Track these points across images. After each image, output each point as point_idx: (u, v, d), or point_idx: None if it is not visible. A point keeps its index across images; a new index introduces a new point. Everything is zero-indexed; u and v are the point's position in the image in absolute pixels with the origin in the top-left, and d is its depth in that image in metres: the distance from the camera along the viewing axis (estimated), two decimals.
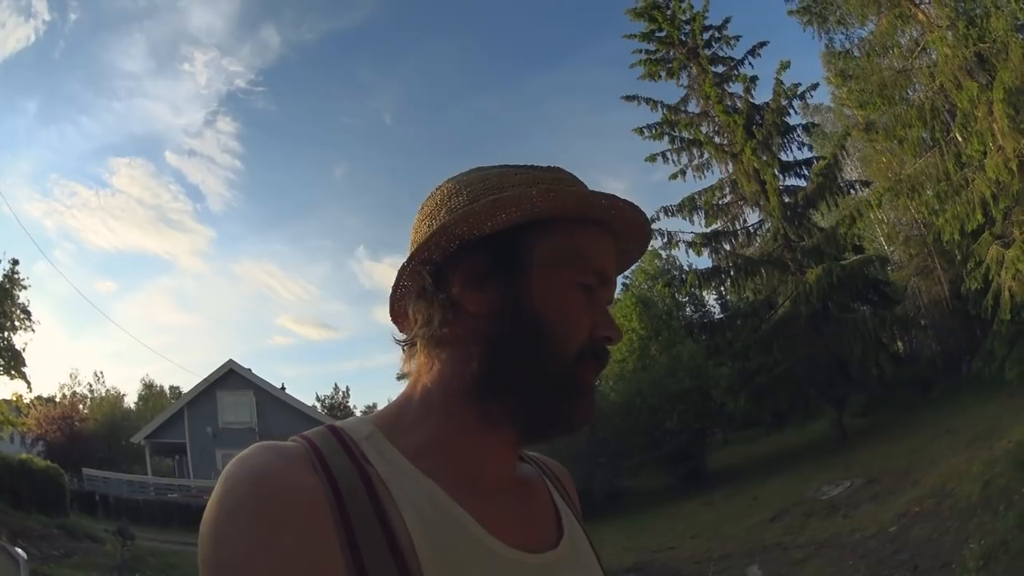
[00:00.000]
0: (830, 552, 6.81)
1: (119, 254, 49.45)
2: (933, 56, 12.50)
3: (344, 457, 0.56)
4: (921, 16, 12.59)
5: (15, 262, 16.41)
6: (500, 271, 0.61)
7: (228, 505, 0.50)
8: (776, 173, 14.76)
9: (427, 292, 0.62)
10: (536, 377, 0.60)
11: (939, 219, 12.27)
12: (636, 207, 0.64)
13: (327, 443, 0.57)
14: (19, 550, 7.89)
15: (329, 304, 60.32)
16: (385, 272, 57.12)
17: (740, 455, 16.47)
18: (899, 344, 15.26)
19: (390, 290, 0.68)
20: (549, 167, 0.67)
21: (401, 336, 0.69)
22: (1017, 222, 11.01)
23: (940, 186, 12.27)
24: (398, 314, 0.69)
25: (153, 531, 14.07)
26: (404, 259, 0.64)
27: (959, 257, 12.95)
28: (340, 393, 41.84)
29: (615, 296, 0.68)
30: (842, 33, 13.96)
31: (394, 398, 0.67)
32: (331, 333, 60.25)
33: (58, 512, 13.72)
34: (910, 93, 13.02)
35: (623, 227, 0.66)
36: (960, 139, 11.90)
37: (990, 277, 11.05)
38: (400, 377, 0.68)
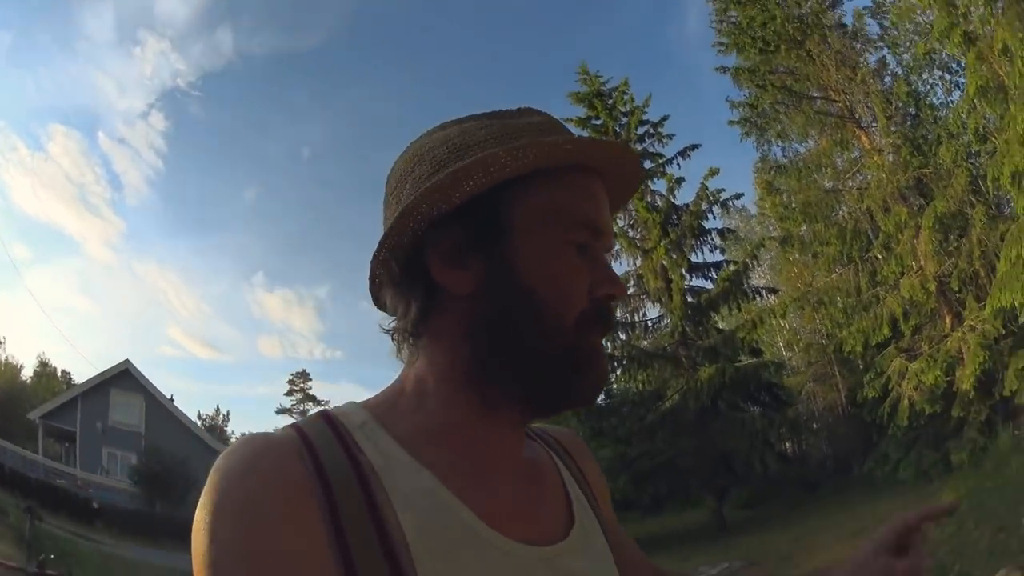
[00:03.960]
0: None
1: (39, 223, 46.85)
2: (867, 178, 13.02)
3: (336, 447, 0.53)
4: (864, 140, 13.24)
5: None
6: (480, 243, 0.56)
7: (215, 498, 0.48)
8: (684, 273, 15.03)
9: (399, 282, 0.59)
10: (536, 354, 0.55)
11: (843, 332, 12.78)
12: (619, 144, 0.60)
13: (319, 432, 0.54)
14: None
15: (219, 325, 59.41)
16: (276, 304, 57.50)
17: None
18: (788, 444, 15.83)
19: (368, 280, 0.62)
20: (520, 109, 0.63)
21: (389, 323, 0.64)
22: (927, 338, 11.66)
23: (848, 301, 12.85)
24: (381, 303, 0.64)
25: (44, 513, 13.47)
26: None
27: (861, 366, 13.50)
28: (221, 416, 40.91)
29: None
30: (779, 147, 14.59)
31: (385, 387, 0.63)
32: (217, 354, 58.89)
33: None
34: (837, 211, 13.47)
35: (609, 168, 0.60)
36: (879, 258, 12.48)
37: (890, 387, 11.52)
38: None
